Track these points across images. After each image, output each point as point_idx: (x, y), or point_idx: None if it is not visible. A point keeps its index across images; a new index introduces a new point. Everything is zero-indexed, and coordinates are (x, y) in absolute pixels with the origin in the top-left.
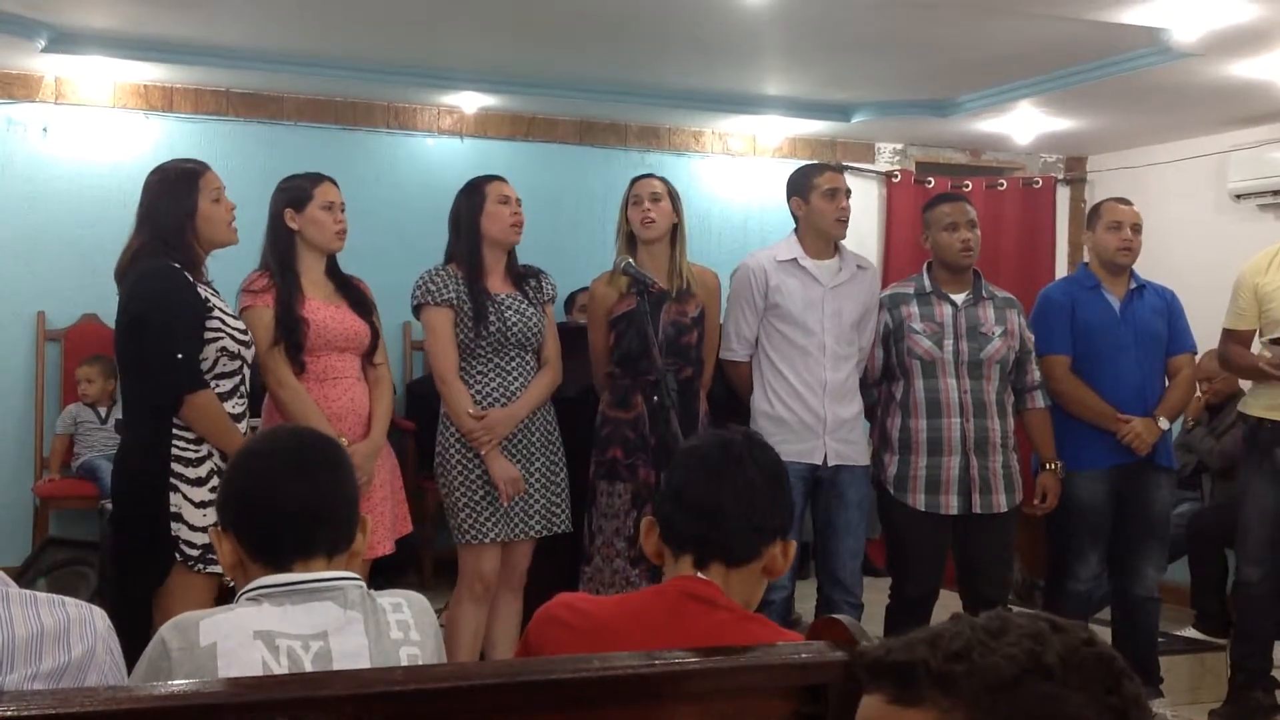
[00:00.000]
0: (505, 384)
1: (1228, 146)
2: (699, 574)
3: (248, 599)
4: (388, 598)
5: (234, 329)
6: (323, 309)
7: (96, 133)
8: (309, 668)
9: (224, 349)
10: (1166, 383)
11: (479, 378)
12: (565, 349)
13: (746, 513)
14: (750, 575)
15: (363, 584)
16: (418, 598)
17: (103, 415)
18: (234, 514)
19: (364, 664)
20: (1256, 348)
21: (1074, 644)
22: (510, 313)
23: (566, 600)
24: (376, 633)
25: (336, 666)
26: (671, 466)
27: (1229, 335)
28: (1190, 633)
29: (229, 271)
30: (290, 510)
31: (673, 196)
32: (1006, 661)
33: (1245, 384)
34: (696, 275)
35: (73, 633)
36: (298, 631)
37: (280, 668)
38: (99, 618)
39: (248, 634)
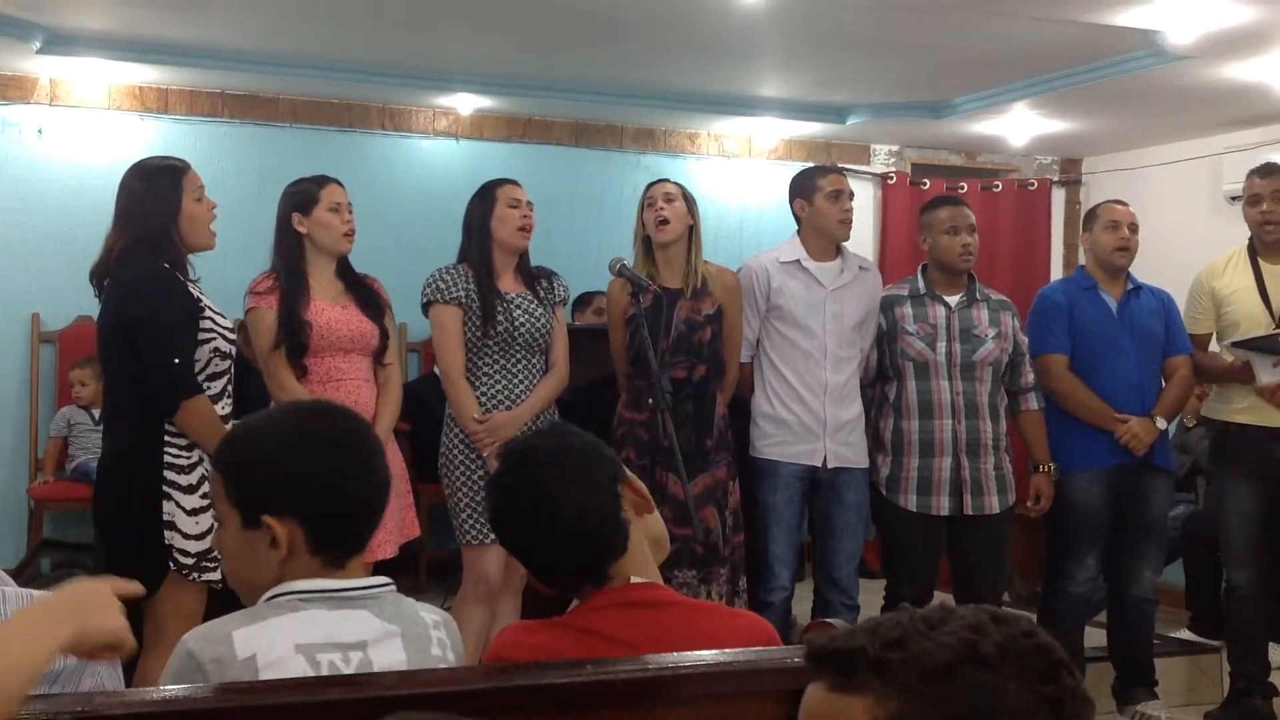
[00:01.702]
0: (511, 385)
1: (1222, 148)
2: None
3: (281, 604)
4: (428, 613)
5: (224, 328)
6: (328, 310)
7: (91, 134)
8: None
9: (216, 349)
10: (1164, 384)
11: (485, 378)
12: (570, 351)
13: (589, 521)
14: (635, 541)
15: (395, 590)
16: (452, 620)
17: (96, 417)
18: (303, 497)
19: None
20: (1214, 348)
21: (1013, 634)
22: (519, 312)
23: (514, 639)
24: (417, 647)
25: None
26: (494, 526)
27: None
28: (1185, 634)
29: (227, 273)
30: (364, 496)
31: (687, 199)
32: (941, 650)
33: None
34: (715, 275)
35: None
36: (337, 641)
37: None
38: None
39: (289, 647)
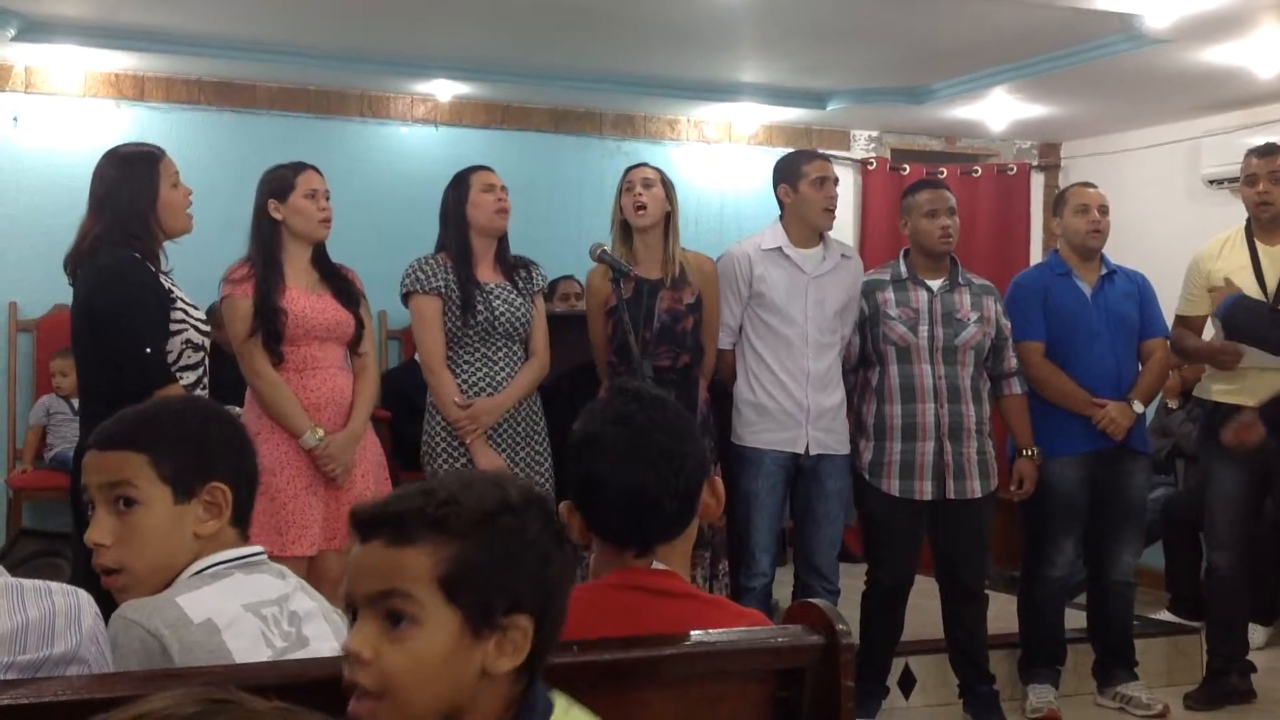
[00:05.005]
0: (492, 374)
1: (1201, 132)
2: (647, 563)
3: (207, 575)
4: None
5: (196, 319)
6: (303, 298)
7: (67, 122)
8: (289, 629)
9: (188, 340)
10: (1139, 367)
11: (466, 367)
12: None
13: (672, 484)
14: (689, 533)
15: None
16: None
17: (75, 407)
18: (233, 462)
19: (322, 624)
20: (1209, 334)
21: (527, 489)
22: (499, 302)
23: None
24: (312, 595)
25: (306, 628)
26: (574, 453)
27: (1181, 321)
28: (1165, 616)
29: (201, 261)
30: (256, 469)
31: (666, 184)
32: (483, 504)
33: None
34: (692, 262)
35: (58, 627)
36: (269, 597)
37: (275, 635)
38: (86, 608)
39: (237, 608)
